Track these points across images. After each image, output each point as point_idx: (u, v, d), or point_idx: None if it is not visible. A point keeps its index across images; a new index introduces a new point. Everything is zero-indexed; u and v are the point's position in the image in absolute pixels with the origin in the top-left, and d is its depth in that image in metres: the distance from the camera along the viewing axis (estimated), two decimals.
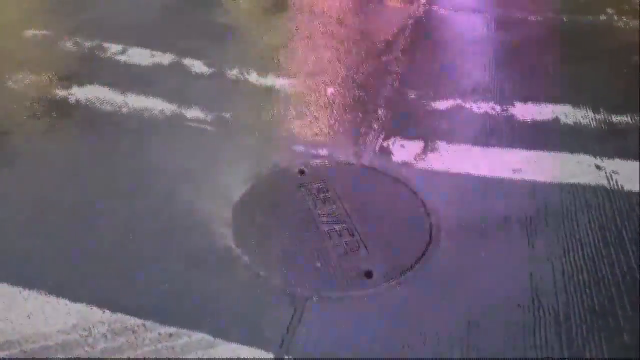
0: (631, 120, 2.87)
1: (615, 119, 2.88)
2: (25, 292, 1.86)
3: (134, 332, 1.75)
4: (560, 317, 1.84)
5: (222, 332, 1.76)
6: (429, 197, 2.36)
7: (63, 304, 1.83)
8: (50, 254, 2.04)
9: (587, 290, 1.94)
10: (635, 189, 2.38)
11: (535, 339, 1.77)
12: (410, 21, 3.96)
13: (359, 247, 2.13)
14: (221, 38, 3.67)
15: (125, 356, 1.67)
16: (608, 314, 1.86)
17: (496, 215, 2.27)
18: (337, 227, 2.21)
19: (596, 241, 2.14)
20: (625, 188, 2.40)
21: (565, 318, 1.84)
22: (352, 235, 2.18)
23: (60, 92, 3.02)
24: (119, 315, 1.80)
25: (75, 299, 1.85)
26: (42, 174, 2.46)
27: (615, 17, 4.03)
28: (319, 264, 2.06)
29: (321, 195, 2.37)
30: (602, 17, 4.04)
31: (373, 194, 2.44)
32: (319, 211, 2.28)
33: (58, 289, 1.88)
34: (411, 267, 2.05)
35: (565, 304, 1.89)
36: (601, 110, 2.95)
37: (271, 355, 1.71)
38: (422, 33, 3.85)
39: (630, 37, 3.75)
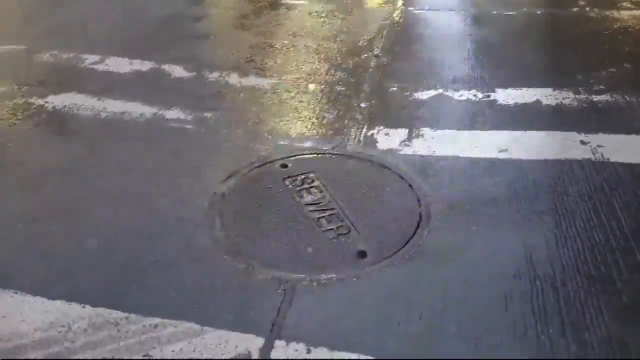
0: (611, 98, 2.93)
1: (596, 98, 2.94)
2: (0, 292, 1.80)
3: (116, 325, 1.69)
4: (558, 284, 1.82)
5: (209, 320, 1.71)
6: (417, 180, 2.36)
7: (40, 302, 1.76)
8: (27, 254, 1.98)
9: (582, 257, 1.93)
10: (621, 159, 2.41)
11: (534, 306, 1.74)
12: (388, 21, 4.06)
13: (349, 230, 2.10)
14: (200, 45, 3.72)
15: (107, 349, 1.61)
16: (605, 278, 1.84)
17: (485, 193, 2.27)
18: (325, 214, 2.19)
19: (587, 210, 2.15)
20: (611, 159, 2.43)
21: (562, 284, 1.82)
22: (342, 220, 2.15)
23: (37, 101, 3.00)
24: (100, 310, 1.73)
25: (53, 296, 1.78)
26: (19, 176, 2.42)
27: (587, 9, 4.17)
28: (309, 249, 2.02)
29: (306, 186, 2.36)
30: (575, 9, 4.19)
31: (360, 181, 2.42)
32: (305, 201, 2.26)
33: (35, 288, 1.82)
34: (404, 245, 2.02)
35: (561, 272, 1.87)
36: (581, 90, 3.01)
37: (262, 340, 1.65)
38: (401, 31, 3.94)
39: (603, 25, 3.88)
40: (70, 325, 1.69)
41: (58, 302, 1.76)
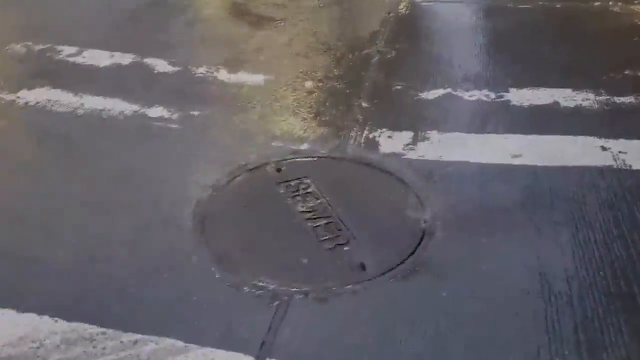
0: (635, 100, 3.00)
1: (619, 100, 3.01)
2: None
3: (92, 341, 1.71)
4: (574, 301, 1.86)
5: (194, 337, 1.74)
6: (422, 186, 2.40)
7: (9, 314, 1.79)
8: None
9: (601, 272, 1.98)
10: None
11: (548, 324, 1.78)
12: (393, 13, 4.13)
13: (348, 241, 2.14)
14: (186, 36, 3.78)
15: None
16: (625, 294, 1.89)
17: (496, 201, 2.32)
18: (322, 222, 2.23)
19: (607, 222, 2.19)
20: (633, 167, 2.48)
21: (579, 301, 1.86)
22: (340, 229, 2.20)
23: (7, 96, 3.05)
24: (75, 324, 1.76)
25: (23, 309, 1.81)
26: None
27: (611, 2, 4.26)
28: (304, 260, 2.06)
29: (302, 192, 2.40)
30: (597, 3, 4.27)
31: (360, 186, 2.47)
32: (300, 208, 2.30)
33: (3, 299, 1.84)
34: (407, 258, 2.06)
35: (578, 288, 1.91)
36: (602, 92, 3.07)
37: (251, 359, 1.68)
38: (407, 25, 4.01)
39: (627, 21, 3.96)
40: (42, 340, 1.71)
41: (28, 315, 1.79)
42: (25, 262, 2.02)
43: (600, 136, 2.69)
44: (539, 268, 1.99)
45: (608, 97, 3.03)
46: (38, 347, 1.69)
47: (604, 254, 2.05)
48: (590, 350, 1.71)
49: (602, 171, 2.47)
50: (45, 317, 1.78)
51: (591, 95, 3.05)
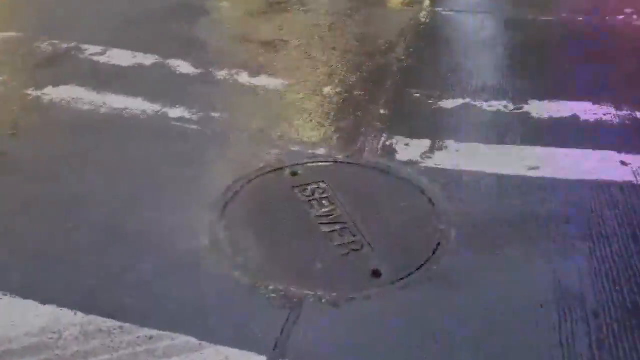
0: None
1: None
2: None
3: (109, 334, 1.76)
4: (589, 316, 1.86)
5: (208, 335, 1.77)
6: (438, 195, 2.42)
7: (31, 305, 1.84)
8: (19, 255, 2.07)
9: (617, 287, 1.97)
10: None
11: (562, 338, 1.78)
12: (413, 22, 4.16)
13: (362, 246, 2.16)
14: (208, 39, 3.84)
15: (99, 359, 1.67)
16: None
17: (512, 213, 2.32)
18: (337, 227, 2.25)
19: (625, 237, 2.19)
20: None
21: (594, 316, 1.86)
22: (354, 235, 2.22)
23: (34, 92, 3.13)
24: (93, 317, 1.81)
25: (44, 300, 1.86)
26: (11, 174, 2.52)
27: (634, 16, 4.23)
28: (318, 264, 2.08)
29: (317, 197, 2.42)
30: (620, 17, 4.25)
31: (375, 193, 2.49)
32: (316, 212, 2.33)
33: (25, 291, 1.89)
34: (421, 266, 2.08)
35: (594, 302, 1.91)
36: (623, 106, 3.06)
37: (263, 358, 1.71)
38: (427, 33, 4.04)
39: None
40: (62, 331, 1.76)
41: (49, 307, 1.84)
42: (47, 255, 2.07)
43: (620, 151, 2.68)
44: (553, 281, 1.99)
45: (629, 112, 3.01)
46: (58, 338, 1.74)
47: (621, 269, 2.04)
48: None
49: (621, 186, 2.46)
50: (65, 309, 1.83)
51: (612, 110, 3.04)
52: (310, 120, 2.98)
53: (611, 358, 1.73)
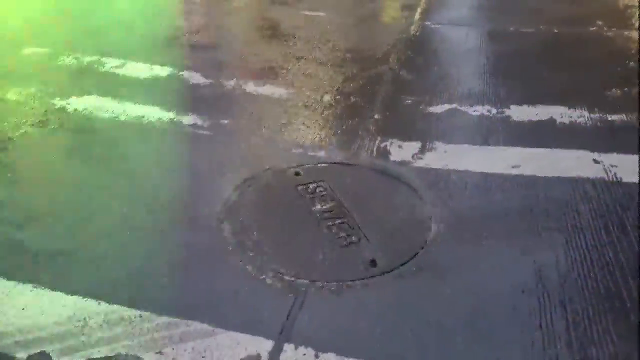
0: (626, 117, 2.98)
1: (611, 117, 2.99)
2: (20, 286, 1.89)
3: (130, 322, 1.76)
4: (566, 301, 1.87)
5: (221, 321, 1.78)
6: (428, 192, 2.42)
7: (59, 296, 1.85)
8: (46, 249, 2.07)
9: (592, 275, 1.97)
10: (635, 180, 2.45)
11: (542, 321, 1.79)
12: (404, 35, 4.16)
13: (360, 239, 2.17)
14: (219, 53, 3.85)
15: (121, 344, 1.68)
16: (614, 296, 1.88)
17: (496, 207, 2.33)
18: (336, 222, 2.26)
19: (598, 229, 2.19)
20: (624, 180, 2.47)
21: (570, 301, 1.86)
22: (353, 229, 2.22)
23: (59, 102, 3.13)
24: (116, 307, 1.81)
25: (70, 292, 1.87)
26: (38, 174, 2.53)
27: (605, 28, 4.23)
28: (320, 256, 2.09)
29: (318, 194, 2.43)
30: (592, 29, 4.25)
31: (372, 191, 2.49)
32: (317, 209, 2.33)
33: (53, 283, 1.90)
34: (413, 257, 2.08)
35: (570, 288, 1.91)
36: (596, 110, 3.06)
37: (271, 342, 1.72)
38: (417, 45, 4.03)
39: (620, 44, 3.93)
40: (87, 320, 1.77)
41: (75, 298, 1.85)
42: (71, 250, 2.08)
43: (593, 150, 2.68)
44: (534, 270, 2.00)
45: (601, 115, 3.02)
46: (84, 326, 1.75)
47: (595, 258, 2.05)
48: (581, 346, 1.71)
49: (594, 182, 2.46)
50: (90, 300, 1.84)
51: (585, 113, 3.04)
52: (312, 125, 2.98)
53: (586, 338, 1.74)
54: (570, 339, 1.73)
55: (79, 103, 3.12)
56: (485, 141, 2.81)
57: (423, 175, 2.53)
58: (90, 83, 3.34)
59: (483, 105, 3.15)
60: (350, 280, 1.97)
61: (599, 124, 2.94)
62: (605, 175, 2.50)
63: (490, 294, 1.91)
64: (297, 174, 2.57)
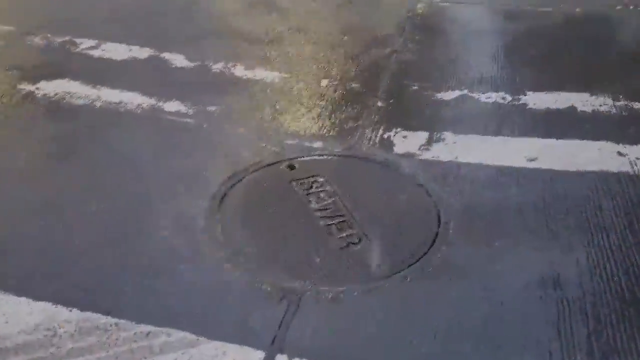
0: None
1: (637, 106, 2.98)
2: None
3: (105, 331, 1.74)
4: (587, 307, 1.85)
5: (205, 330, 1.75)
6: (436, 187, 2.40)
7: (25, 302, 1.82)
8: (12, 251, 2.04)
9: (615, 278, 1.96)
10: None
11: (560, 330, 1.78)
12: (411, 14, 4.13)
13: (360, 240, 2.14)
14: (204, 31, 3.80)
15: (95, 356, 1.66)
16: (639, 301, 1.87)
17: (511, 204, 2.31)
18: (335, 221, 2.24)
19: (622, 228, 2.18)
20: None
21: (592, 307, 1.85)
22: (353, 228, 2.20)
23: (27, 87, 3.09)
24: (89, 314, 1.79)
25: (38, 297, 1.84)
26: (3, 168, 2.49)
27: (631, 7, 4.21)
28: (317, 258, 2.07)
29: (315, 190, 2.41)
30: (618, 7, 4.22)
31: (373, 186, 2.47)
32: (313, 206, 2.31)
33: (20, 287, 1.87)
34: (419, 259, 2.06)
35: (592, 293, 1.90)
36: (621, 97, 3.04)
37: (262, 353, 1.70)
38: (425, 25, 4.00)
39: None
40: (57, 329, 1.74)
41: (44, 304, 1.81)
42: (40, 251, 2.05)
43: (617, 142, 2.67)
44: (552, 272, 1.98)
45: (627, 103, 3.00)
46: (53, 335, 1.72)
47: (619, 260, 2.03)
48: (603, 355, 1.70)
49: (618, 177, 2.45)
50: (60, 307, 1.81)
51: (609, 101, 3.02)
52: (308, 113, 2.95)
53: (609, 348, 1.72)
54: (591, 349, 1.72)
55: (49, 88, 3.08)
56: (499, 131, 2.78)
57: (430, 168, 2.51)
58: (61, 66, 3.29)
59: (496, 91, 3.12)
60: (350, 285, 1.95)
61: (624, 112, 2.92)
62: (630, 169, 2.48)
63: (503, 300, 1.89)
64: (291, 167, 2.54)
